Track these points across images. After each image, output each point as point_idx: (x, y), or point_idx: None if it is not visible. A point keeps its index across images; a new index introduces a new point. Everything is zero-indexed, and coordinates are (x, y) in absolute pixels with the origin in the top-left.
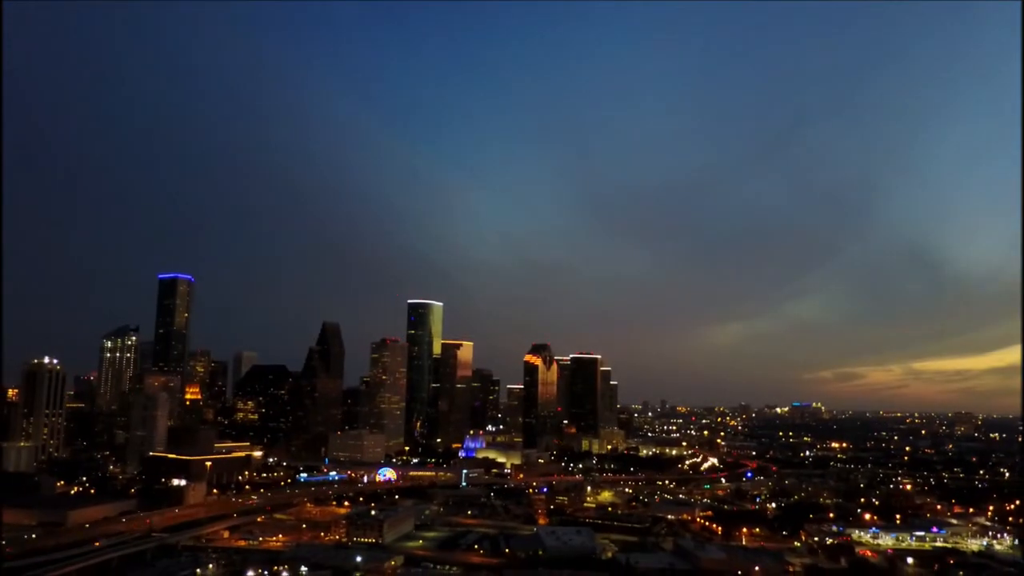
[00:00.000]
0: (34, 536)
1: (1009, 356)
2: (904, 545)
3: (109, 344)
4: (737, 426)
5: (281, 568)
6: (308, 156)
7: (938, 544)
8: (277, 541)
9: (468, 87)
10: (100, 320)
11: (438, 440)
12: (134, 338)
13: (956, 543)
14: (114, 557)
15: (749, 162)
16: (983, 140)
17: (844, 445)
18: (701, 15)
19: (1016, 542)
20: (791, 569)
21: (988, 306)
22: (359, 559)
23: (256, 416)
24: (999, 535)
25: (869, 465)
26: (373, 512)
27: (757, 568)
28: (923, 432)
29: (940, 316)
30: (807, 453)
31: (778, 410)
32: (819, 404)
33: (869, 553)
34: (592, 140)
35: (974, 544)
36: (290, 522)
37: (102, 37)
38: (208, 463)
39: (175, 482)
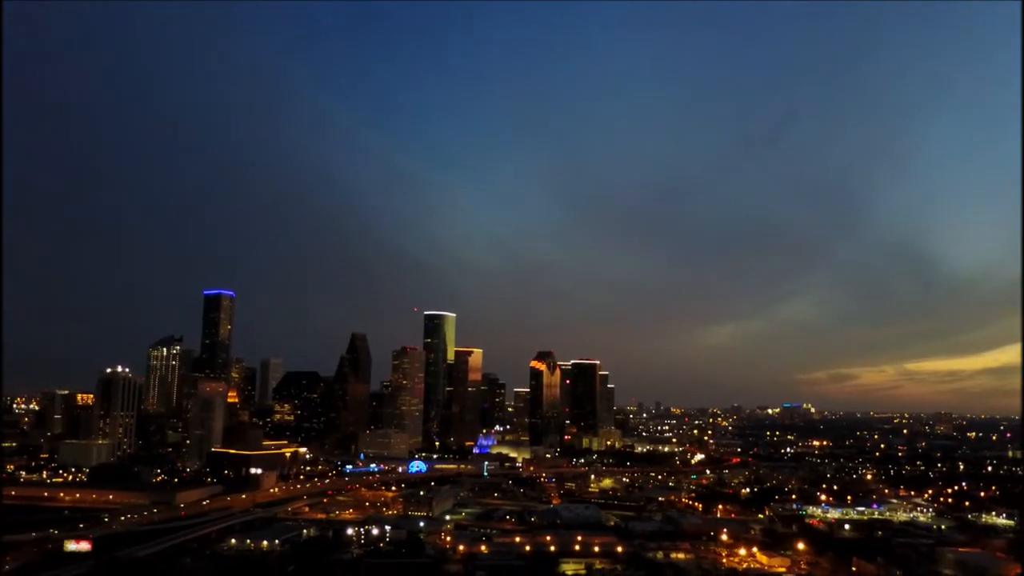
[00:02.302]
0: (155, 511)
1: (1002, 357)
2: (847, 517)
3: (155, 353)
4: (728, 426)
5: (370, 527)
6: (304, 161)
7: (875, 517)
8: (349, 514)
9: (453, 87)
10: (142, 331)
11: (451, 439)
12: (177, 347)
13: (889, 516)
14: (236, 523)
15: (737, 160)
16: (973, 137)
17: (824, 443)
18: (686, 11)
19: (934, 514)
20: (752, 532)
21: (981, 306)
22: (422, 524)
23: (292, 417)
24: (926, 510)
25: (840, 460)
26: (422, 493)
27: (725, 530)
28: (905, 431)
29: (933, 316)
30: (788, 450)
31: (769, 411)
32: (809, 405)
33: (816, 522)
34: (579, 139)
35: (903, 516)
36: (350, 502)
37: (110, 45)
38: (288, 454)
39: (253, 471)
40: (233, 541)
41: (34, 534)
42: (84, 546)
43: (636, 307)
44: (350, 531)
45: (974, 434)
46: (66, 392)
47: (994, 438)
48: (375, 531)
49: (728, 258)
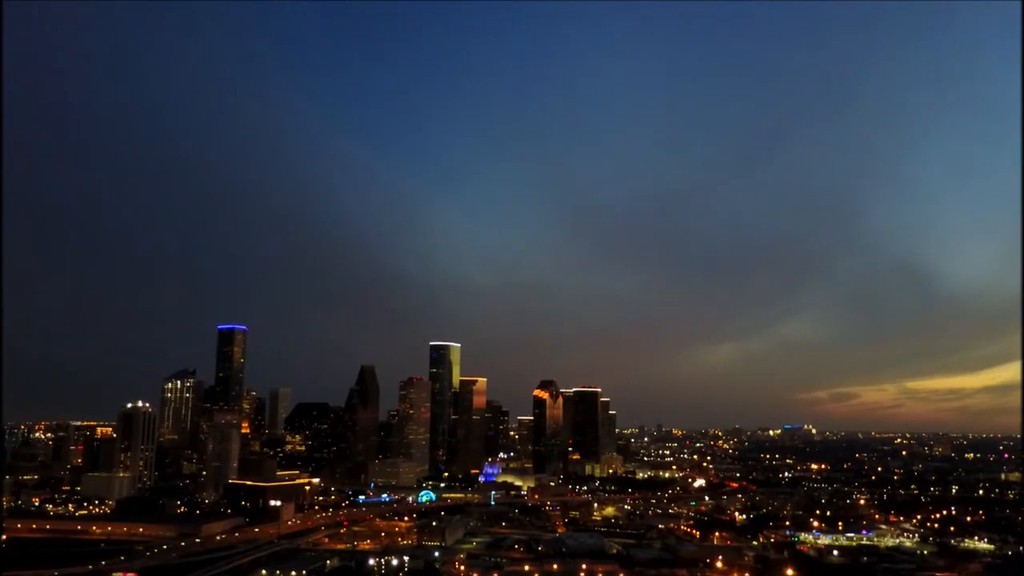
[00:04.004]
0: (197, 543)
1: (1002, 374)
2: (836, 543)
3: (170, 385)
4: (728, 449)
5: (390, 558)
6: (290, 178)
7: (863, 543)
8: (367, 544)
9: (443, 100)
10: (155, 364)
11: (457, 467)
12: (191, 380)
13: (876, 541)
14: (264, 555)
15: (733, 174)
16: (972, 152)
17: (822, 466)
18: (681, 20)
19: (919, 540)
20: (745, 559)
21: (980, 323)
22: (436, 554)
23: (303, 448)
24: (912, 536)
25: (836, 484)
26: (435, 523)
27: (720, 556)
28: (904, 453)
29: (933, 334)
30: (786, 474)
31: (771, 432)
32: (810, 426)
33: (806, 548)
34: (571, 154)
35: (890, 542)
36: (366, 532)
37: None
38: (307, 487)
39: (272, 503)
40: (264, 572)
41: (91, 567)
42: None
43: (634, 326)
44: (371, 561)
45: (972, 455)
46: (79, 423)
47: (992, 458)
48: (395, 561)
49: (723, 274)
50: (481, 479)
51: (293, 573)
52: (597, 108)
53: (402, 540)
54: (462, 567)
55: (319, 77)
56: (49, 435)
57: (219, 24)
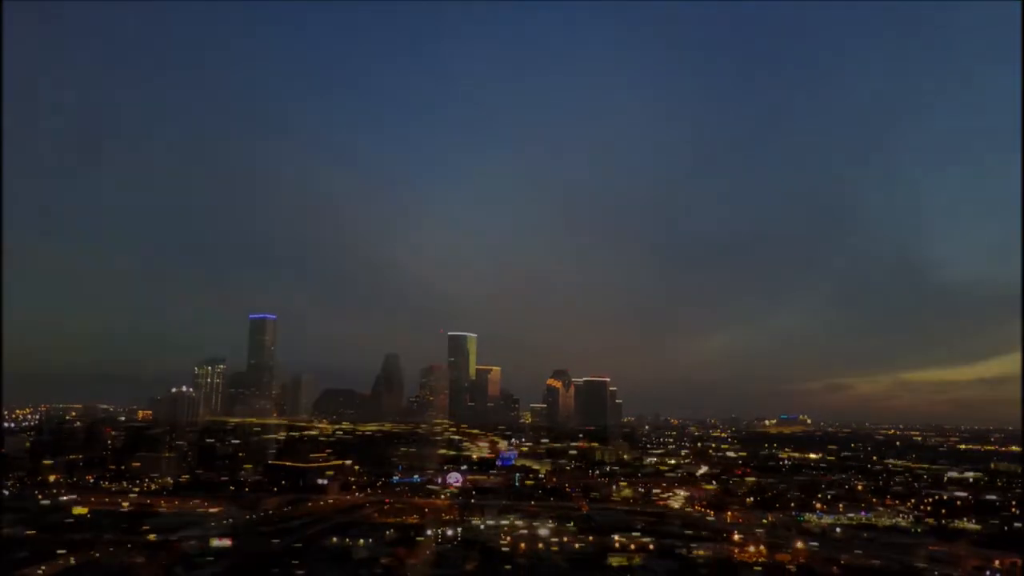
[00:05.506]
0: (279, 509)
1: (996, 367)
2: (838, 522)
3: (201, 371)
4: (727, 437)
5: (445, 528)
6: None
7: (862, 522)
8: (414, 519)
9: (433, 83)
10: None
11: (474, 452)
12: (221, 366)
13: (874, 521)
14: (327, 526)
15: (728, 164)
16: (965, 141)
17: (820, 455)
18: (672, 9)
19: (914, 520)
20: (757, 533)
21: (972, 315)
22: (482, 528)
23: (330, 431)
24: (908, 516)
25: (833, 472)
26: (472, 500)
27: (735, 530)
28: (897, 443)
29: (925, 326)
30: (785, 462)
31: (767, 422)
32: (805, 417)
33: (810, 526)
34: (569, 147)
35: (886, 521)
36: (408, 508)
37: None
38: (357, 467)
39: (320, 481)
40: (334, 539)
41: (190, 533)
42: (226, 542)
43: (629, 316)
44: (429, 532)
45: (965, 446)
46: (106, 407)
47: (983, 449)
48: (449, 532)
49: (715, 263)
50: (499, 463)
51: (361, 540)
52: (597, 102)
53: (445, 515)
54: (508, 538)
55: (346, 77)
56: (73, 415)
57: (234, 22)
